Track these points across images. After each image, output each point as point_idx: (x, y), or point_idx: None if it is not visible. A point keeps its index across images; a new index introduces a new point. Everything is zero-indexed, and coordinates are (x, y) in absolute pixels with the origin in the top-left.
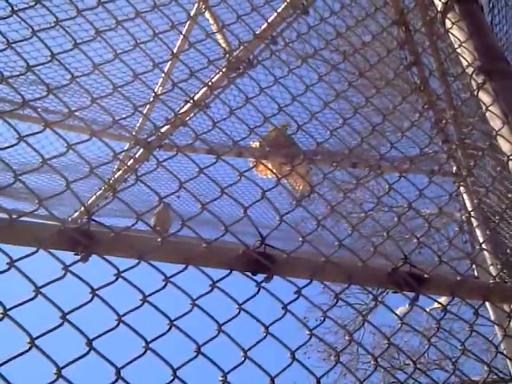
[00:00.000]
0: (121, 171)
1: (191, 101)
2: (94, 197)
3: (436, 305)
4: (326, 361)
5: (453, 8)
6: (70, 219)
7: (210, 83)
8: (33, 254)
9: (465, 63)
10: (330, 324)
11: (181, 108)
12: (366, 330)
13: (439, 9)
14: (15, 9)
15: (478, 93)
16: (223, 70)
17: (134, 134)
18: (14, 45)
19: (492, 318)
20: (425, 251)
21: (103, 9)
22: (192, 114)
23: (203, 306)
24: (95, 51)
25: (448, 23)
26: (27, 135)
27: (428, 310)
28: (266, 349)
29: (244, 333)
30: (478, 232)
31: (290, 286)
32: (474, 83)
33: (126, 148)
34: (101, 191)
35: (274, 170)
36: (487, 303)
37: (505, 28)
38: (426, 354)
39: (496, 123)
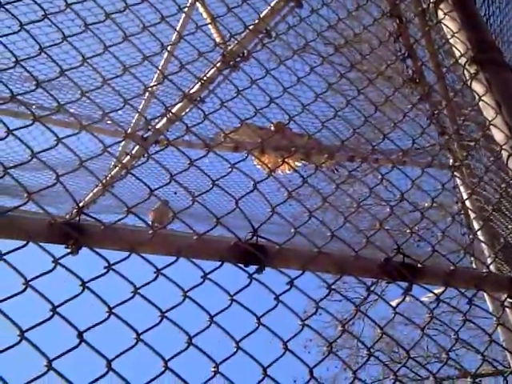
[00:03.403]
0: (117, 168)
1: (185, 96)
2: (91, 194)
3: (431, 295)
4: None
5: None
6: (67, 216)
7: (204, 78)
8: (22, 247)
9: (458, 54)
10: (330, 318)
11: (175, 103)
12: (365, 323)
13: None
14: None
15: (471, 83)
16: (217, 64)
17: (129, 129)
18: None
19: (490, 308)
20: (423, 244)
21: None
22: (188, 110)
23: (198, 298)
24: (88, 47)
25: (440, 14)
26: (16, 129)
27: (426, 298)
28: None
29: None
30: (475, 223)
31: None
32: (466, 73)
33: (122, 144)
34: (98, 188)
35: (270, 165)
36: (485, 294)
37: (499, 19)
38: (426, 348)
39: (489, 113)
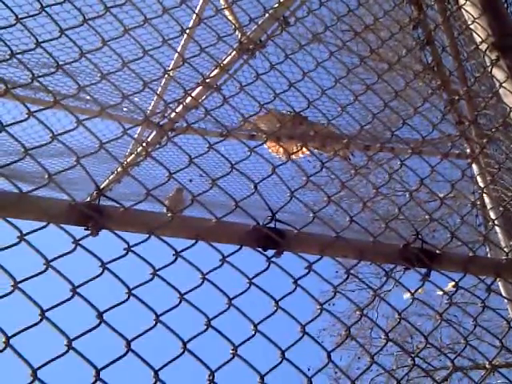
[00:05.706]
0: (133, 155)
1: (203, 80)
2: (107, 181)
3: (450, 285)
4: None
5: None
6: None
7: (221, 64)
8: (43, 228)
9: (478, 40)
10: (343, 309)
11: (193, 88)
12: (379, 314)
13: None
14: None
15: (491, 70)
16: (235, 49)
17: (146, 116)
18: (22, 20)
19: (505, 300)
20: (438, 235)
21: None
22: (204, 97)
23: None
24: (106, 33)
25: None
26: (36, 111)
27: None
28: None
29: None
30: (492, 213)
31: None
32: (487, 60)
33: (138, 131)
34: (113, 175)
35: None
36: (499, 283)
37: None
38: (439, 339)
39: (510, 100)
